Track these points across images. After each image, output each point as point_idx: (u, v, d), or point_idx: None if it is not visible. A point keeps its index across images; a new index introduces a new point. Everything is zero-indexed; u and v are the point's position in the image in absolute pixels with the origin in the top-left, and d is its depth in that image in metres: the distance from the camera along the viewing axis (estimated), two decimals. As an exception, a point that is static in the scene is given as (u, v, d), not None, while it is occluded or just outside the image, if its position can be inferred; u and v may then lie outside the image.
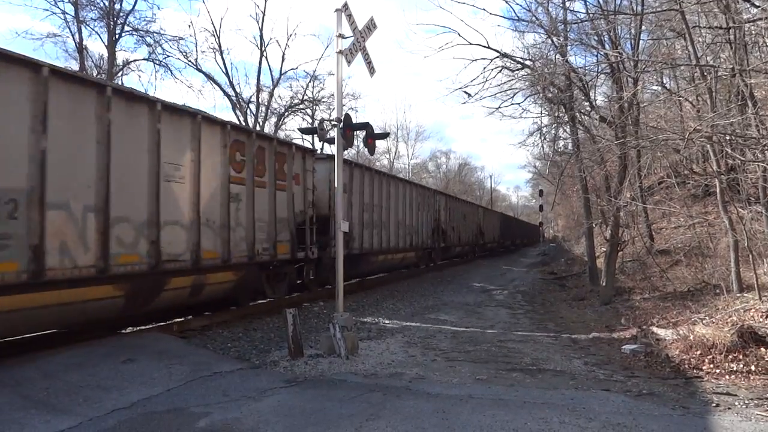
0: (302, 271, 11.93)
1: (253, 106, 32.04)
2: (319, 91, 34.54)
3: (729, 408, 5.16)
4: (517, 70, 13.99)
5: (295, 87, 40.08)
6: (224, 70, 44.94)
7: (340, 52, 7.58)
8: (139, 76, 36.38)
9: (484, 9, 13.88)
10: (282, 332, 8.25)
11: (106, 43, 24.66)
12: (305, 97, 33.99)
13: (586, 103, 15.25)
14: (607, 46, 13.73)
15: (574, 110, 14.58)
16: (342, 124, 7.70)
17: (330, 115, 28.15)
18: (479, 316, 11.87)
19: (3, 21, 48.53)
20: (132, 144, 7.20)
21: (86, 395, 5.25)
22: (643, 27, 13.30)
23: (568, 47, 14.28)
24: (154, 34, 26.16)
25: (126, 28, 25.17)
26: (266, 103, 32.57)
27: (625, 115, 11.80)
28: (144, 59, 26.65)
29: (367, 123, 8.73)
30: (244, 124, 30.83)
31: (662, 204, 16.54)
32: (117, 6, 24.71)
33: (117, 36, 24.84)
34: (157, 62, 26.53)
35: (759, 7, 8.84)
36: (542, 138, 17.77)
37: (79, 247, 6.42)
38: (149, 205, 7.43)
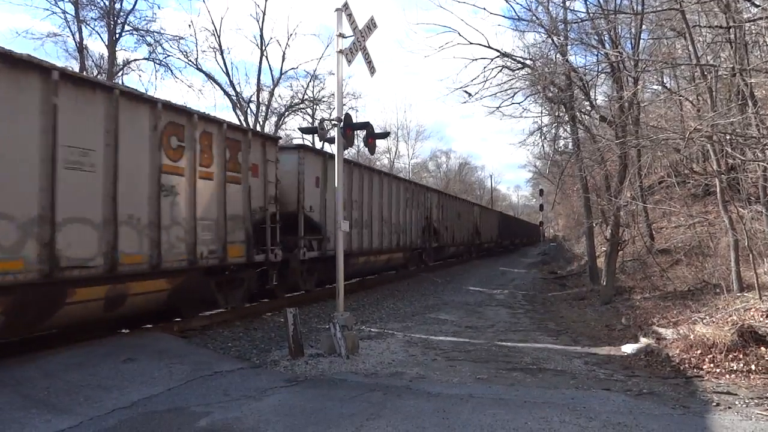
0: (266, 276, 10.51)
1: (253, 106, 32.08)
2: (319, 91, 34.61)
3: (729, 407, 5.16)
4: (518, 69, 13.99)
5: (296, 86, 40.04)
6: (224, 70, 45.16)
7: (341, 51, 7.58)
8: (140, 76, 36.45)
9: (484, 8, 13.92)
10: (282, 331, 8.25)
11: (107, 43, 24.68)
12: (305, 97, 34.04)
13: (587, 103, 15.25)
14: (607, 46, 13.72)
15: (574, 110, 14.58)
16: (342, 123, 7.71)
17: (330, 115, 28.18)
18: (480, 315, 11.88)
19: (3, 21, 48.56)
20: (14, 121, 5.81)
21: (87, 395, 5.25)
22: (644, 26, 13.30)
23: (569, 47, 14.29)
24: (155, 34, 26.18)
25: (126, 27, 25.19)
26: (267, 103, 32.60)
27: (626, 115, 11.79)
28: (144, 59, 26.67)
29: (368, 122, 8.74)
30: (244, 123, 30.71)
31: (662, 203, 16.53)
32: (117, 5, 24.73)
33: (117, 35, 24.85)
34: (158, 62, 26.56)
35: (759, 6, 8.83)
36: (542, 137, 17.77)
37: None
38: (41, 199, 6.04)
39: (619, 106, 12.41)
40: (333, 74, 17.75)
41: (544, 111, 16.99)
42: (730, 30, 9.18)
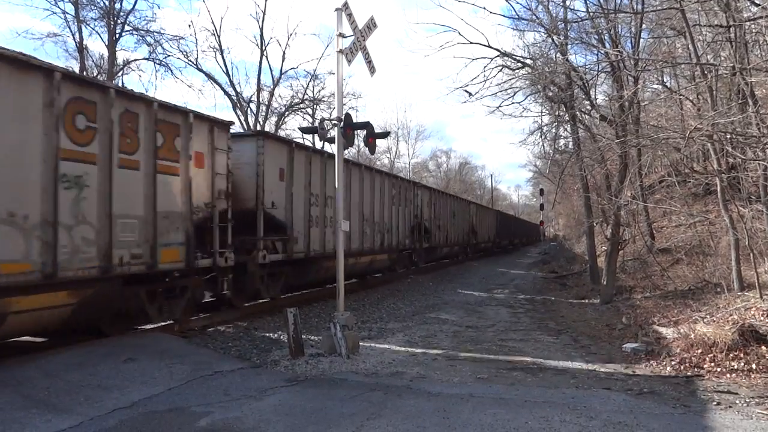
0: (216, 284, 9.15)
1: (253, 106, 32.00)
2: (319, 91, 34.54)
3: (730, 406, 5.16)
4: (518, 69, 13.99)
5: (296, 86, 39.88)
6: (224, 70, 44.92)
7: (341, 51, 7.59)
8: (140, 76, 36.11)
9: (484, 8, 13.93)
10: (282, 331, 8.25)
11: (107, 43, 24.64)
12: (306, 97, 33.96)
13: (587, 102, 15.26)
14: (607, 45, 13.72)
15: (574, 109, 14.58)
16: (342, 123, 7.72)
17: (330, 115, 28.16)
18: (480, 315, 11.88)
19: (3, 21, 48.54)
20: None
21: (87, 395, 5.26)
22: (644, 25, 13.29)
23: (569, 46, 14.31)
24: (155, 34, 26.11)
25: (126, 27, 25.13)
26: (267, 103, 32.53)
27: (626, 114, 11.79)
28: (144, 59, 26.61)
29: (368, 122, 8.76)
30: (244, 123, 30.68)
31: (663, 203, 16.52)
32: (117, 5, 24.70)
33: (117, 35, 24.81)
34: (158, 62, 26.49)
35: (759, 5, 8.83)
36: (543, 137, 17.78)
37: None
38: None
39: (619, 106, 12.41)
40: (333, 74, 17.71)
41: (544, 110, 17.02)
42: (731, 29, 9.18)
